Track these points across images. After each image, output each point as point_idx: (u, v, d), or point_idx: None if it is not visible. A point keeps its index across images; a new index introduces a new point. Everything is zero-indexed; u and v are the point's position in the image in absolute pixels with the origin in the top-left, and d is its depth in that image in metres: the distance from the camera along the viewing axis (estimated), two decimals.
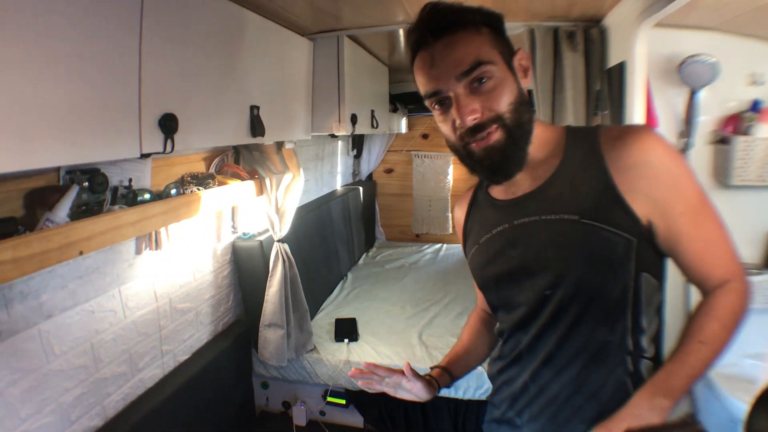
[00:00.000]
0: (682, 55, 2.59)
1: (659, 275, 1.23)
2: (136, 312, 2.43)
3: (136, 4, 1.54)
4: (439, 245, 6.27)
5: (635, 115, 2.30)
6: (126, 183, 2.11)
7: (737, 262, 1.20)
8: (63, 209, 1.68)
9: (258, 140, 2.35)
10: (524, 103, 1.22)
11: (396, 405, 3.30)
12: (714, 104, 2.71)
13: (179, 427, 2.61)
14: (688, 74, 2.58)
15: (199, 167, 2.79)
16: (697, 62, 2.55)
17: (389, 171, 6.71)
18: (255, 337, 3.32)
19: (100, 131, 1.44)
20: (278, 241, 3.21)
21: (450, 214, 6.49)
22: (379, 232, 6.77)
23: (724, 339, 1.15)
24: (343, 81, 3.04)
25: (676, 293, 1.27)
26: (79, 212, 1.81)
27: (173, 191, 2.29)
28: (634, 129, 1.20)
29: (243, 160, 3.07)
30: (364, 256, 5.89)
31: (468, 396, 3.15)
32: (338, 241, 4.98)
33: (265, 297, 3.23)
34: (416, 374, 1.52)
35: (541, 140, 1.28)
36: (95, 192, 1.89)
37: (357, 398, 3.39)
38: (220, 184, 2.59)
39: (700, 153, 2.74)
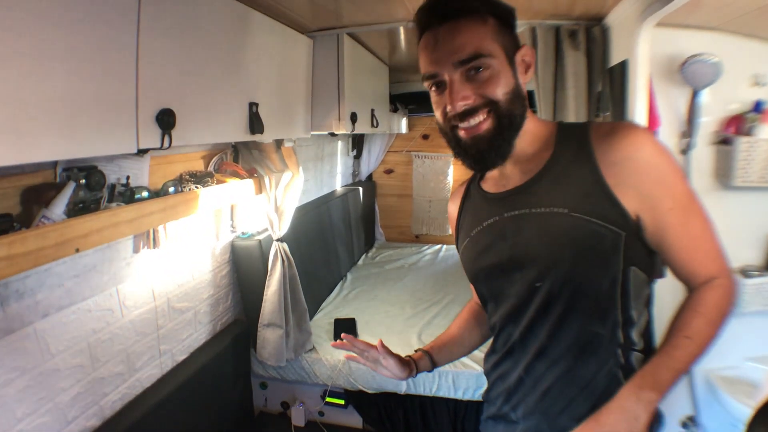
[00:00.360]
0: (684, 54, 2.58)
1: (648, 270, 1.25)
2: (133, 311, 2.41)
3: None
4: (438, 246, 6.27)
5: (637, 115, 2.29)
6: (123, 181, 2.10)
7: (723, 259, 1.22)
8: (59, 206, 1.67)
9: (257, 138, 2.33)
10: (519, 96, 1.25)
11: (395, 405, 3.30)
12: (716, 105, 2.71)
13: (177, 427, 2.60)
14: (690, 74, 2.57)
15: (198, 165, 2.77)
16: (700, 62, 2.54)
17: (389, 171, 6.70)
18: (254, 337, 3.31)
19: (97, 126, 1.43)
20: (277, 240, 3.19)
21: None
22: (378, 233, 6.76)
23: (709, 334, 1.16)
24: (342, 79, 3.03)
25: (676, 288, 1.26)
26: (76, 210, 1.80)
27: (171, 189, 2.28)
28: (624, 125, 1.22)
29: (242, 158, 3.06)
30: (363, 256, 5.89)
31: (468, 397, 3.14)
32: (338, 241, 4.98)
33: (264, 297, 3.22)
34: (389, 351, 1.59)
35: (532, 134, 1.31)
36: (92, 189, 1.87)
37: (356, 398, 3.37)
38: (219, 182, 2.58)
39: (702, 153, 2.73)
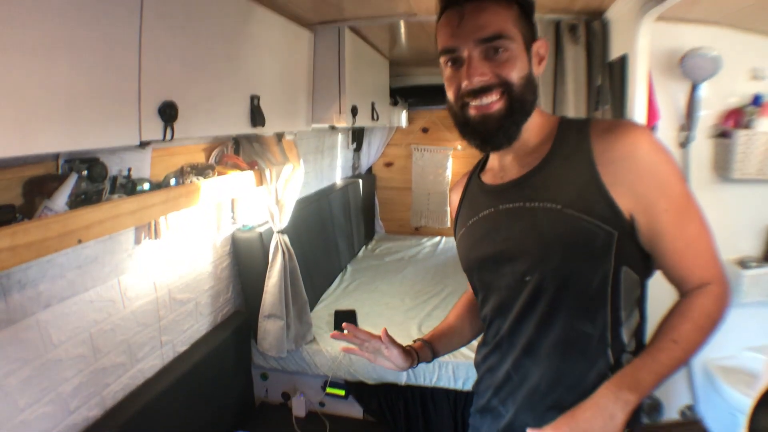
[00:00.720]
0: (683, 48, 2.59)
1: (641, 271, 1.24)
2: (135, 302, 2.42)
3: None
4: (438, 238, 6.29)
5: (637, 108, 2.29)
6: (125, 172, 2.10)
7: (718, 265, 1.20)
8: (62, 197, 1.67)
9: (258, 130, 2.34)
10: (532, 84, 1.25)
11: (395, 396, 3.32)
12: (715, 98, 2.72)
13: (178, 417, 2.61)
14: (689, 68, 2.59)
15: (199, 158, 2.78)
16: (699, 56, 2.55)
17: (389, 164, 6.71)
18: (254, 329, 3.33)
19: (99, 118, 1.43)
20: (278, 232, 3.20)
21: (448, 208, 6.46)
22: (378, 225, 6.77)
23: (696, 341, 1.15)
24: (343, 72, 3.03)
25: (671, 289, 1.26)
26: (78, 201, 1.79)
27: (173, 181, 2.28)
28: (624, 123, 1.22)
29: (243, 151, 3.06)
30: (363, 248, 5.90)
31: (468, 387, 3.16)
32: (338, 233, 4.99)
33: (265, 288, 3.23)
34: (393, 341, 1.55)
35: (536, 127, 1.31)
36: (94, 181, 1.87)
37: (356, 389, 3.39)
38: (220, 174, 2.58)
39: (701, 147, 2.75)
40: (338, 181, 5.71)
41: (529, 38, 1.25)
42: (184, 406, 2.66)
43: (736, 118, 2.69)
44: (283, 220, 3.17)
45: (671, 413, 2.83)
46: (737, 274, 2.76)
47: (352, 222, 5.48)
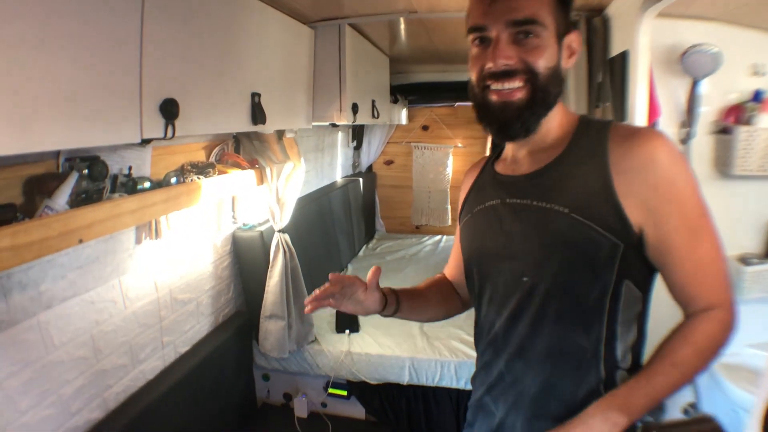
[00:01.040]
0: (684, 45, 2.59)
1: (644, 286, 1.20)
2: (136, 303, 2.41)
3: None
4: (438, 237, 6.29)
5: (638, 105, 2.29)
6: (126, 171, 2.09)
7: (728, 289, 1.15)
8: (62, 196, 1.67)
9: (259, 128, 2.33)
10: (558, 76, 1.21)
11: (397, 395, 3.31)
12: (716, 94, 2.72)
13: (180, 419, 2.61)
14: (690, 64, 2.58)
15: (200, 156, 2.78)
16: (700, 52, 2.55)
17: (389, 162, 6.70)
18: (256, 329, 3.32)
19: (101, 115, 1.43)
20: (279, 231, 3.20)
21: (449, 206, 6.50)
22: (379, 224, 6.77)
23: (696, 366, 1.11)
24: (344, 70, 3.02)
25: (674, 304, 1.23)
26: (79, 200, 1.79)
27: (173, 180, 2.28)
28: (644, 132, 1.16)
29: (243, 149, 3.05)
30: (364, 247, 5.91)
31: (470, 387, 3.14)
32: (339, 232, 4.99)
33: (266, 288, 3.23)
34: (377, 284, 1.49)
35: (556, 122, 1.27)
36: (95, 180, 1.87)
37: (358, 389, 3.39)
38: (221, 173, 2.58)
39: (702, 143, 2.74)
40: (338, 179, 5.71)
41: (563, 29, 1.20)
42: (186, 407, 2.65)
43: (737, 115, 2.68)
44: (284, 219, 3.17)
45: (674, 410, 2.82)
46: (738, 271, 2.74)
47: (352, 220, 5.48)
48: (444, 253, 5.66)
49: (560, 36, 1.20)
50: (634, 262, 1.16)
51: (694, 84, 2.62)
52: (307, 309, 1.41)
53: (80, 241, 1.61)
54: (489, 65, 1.16)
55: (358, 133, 6.17)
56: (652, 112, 2.44)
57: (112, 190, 1.98)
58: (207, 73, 1.94)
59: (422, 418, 3.34)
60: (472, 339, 1.64)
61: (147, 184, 2.09)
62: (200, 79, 1.89)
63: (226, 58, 2.08)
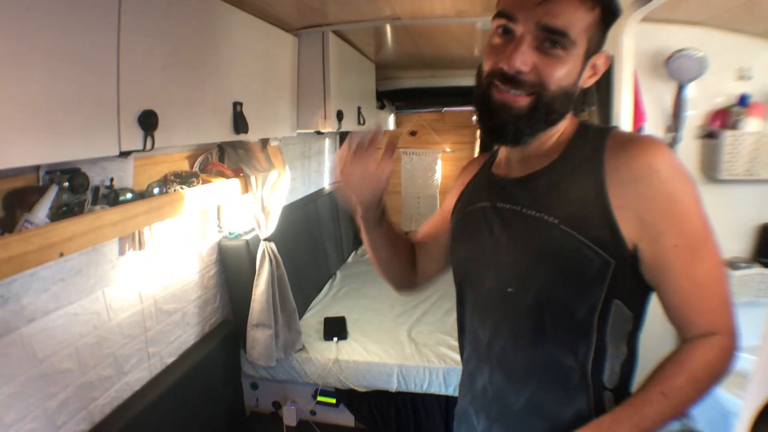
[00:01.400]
0: (669, 49, 2.59)
1: (636, 306, 1.13)
2: (120, 314, 2.39)
3: None
4: None
5: (623, 110, 2.29)
6: (107, 183, 2.08)
7: (729, 314, 1.08)
8: (42, 210, 1.65)
9: (242, 137, 2.32)
10: (569, 95, 1.13)
11: (386, 403, 3.31)
12: (702, 99, 2.72)
13: (168, 429, 2.59)
14: (675, 69, 2.59)
15: (183, 166, 2.76)
16: (685, 57, 2.55)
17: None
18: (243, 338, 3.30)
19: (78, 129, 1.41)
20: (264, 240, 3.18)
21: (438, 202, 6.52)
22: None
23: (690, 397, 1.04)
24: (328, 77, 3.01)
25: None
26: (60, 213, 1.78)
27: (156, 190, 2.26)
28: (643, 141, 1.07)
29: (228, 158, 3.04)
30: (353, 254, 5.89)
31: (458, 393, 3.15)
32: (327, 239, 4.98)
33: (252, 297, 3.22)
34: (390, 157, 1.42)
35: (555, 133, 1.20)
36: (76, 192, 1.85)
37: (347, 397, 3.38)
38: (205, 182, 2.56)
39: (688, 147, 2.75)
40: (326, 186, 5.68)
41: (594, 49, 1.12)
42: (174, 417, 2.63)
43: (723, 119, 2.69)
44: (270, 227, 3.15)
45: None
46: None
47: (341, 227, 5.47)
48: None
49: (589, 55, 1.12)
50: (626, 281, 1.09)
51: (680, 88, 2.63)
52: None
53: (61, 255, 1.59)
54: (503, 65, 1.08)
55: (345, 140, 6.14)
56: (638, 117, 2.44)
57: (94, 202, 1.97)
58: (187, 83, 1.93)
59: (411, 425, 3.33)
60: None
61: (129, 196, 2.07)
62: (180, 90, 1.88)
63: (207, 67, 2.06)
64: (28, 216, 1.62)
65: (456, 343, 1.60)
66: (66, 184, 1.82)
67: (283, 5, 2.44)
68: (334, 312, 4.07)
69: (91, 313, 2.21)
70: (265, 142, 2.98)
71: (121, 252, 2.35)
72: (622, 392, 1.15)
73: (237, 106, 2.25)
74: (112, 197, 2.03)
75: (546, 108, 1.10)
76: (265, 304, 3.19)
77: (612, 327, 1.10)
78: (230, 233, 3.35)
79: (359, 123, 3.76)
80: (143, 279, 2.55)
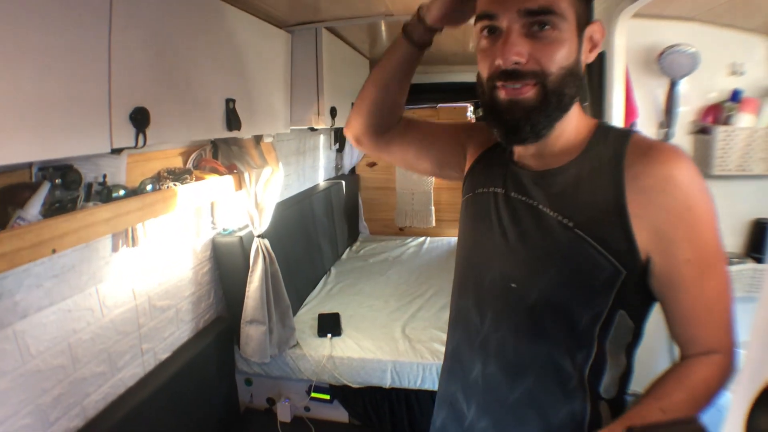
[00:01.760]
0: (662, 45, 2.60)
1: (639, 318, 1.12)
2: (114, 310, 2.39)
3: None
4: (422, 239, 6.28)
5: (615, 106, 2.29)
6: (100, 179, 2.08)
7: (730, 333, 1.06)
8: (34, 207, 1.65)
9: (234, 134, 2.32)
10: (575, 75, 1.08)
11: (380, 399, 3.32)
12: (694, 94, 2.73)
13: (162, 425, 2.59)
14: (668, 64, 2.59)
15: (176, 162, 2.75)
16: (677, 52, 2.56)
17: (372, 165, 6.70)
18: (237, 334, 3.31)
19: (69, 126, 1.41)
20: (258, 236, 3.19)
21: (432, 208, 6.51)
22: (362, 226, 6.74)
23: (687, 414, 1.00)
24: (321, 74, 3.01)
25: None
26: (53, 210, 1.78)
27: (149, 187, 2.26)
28: (666, 149, 1.04)
29: (221, 154, 3.04)
30: (347, 250, 5.89)
31: None
32: (321, 235, 4.97)
33: (246, 293, 3.22)
34: None
35: (571, 125, 1.15)
36: (68, 189, 1.85)
37: (341, 393, 3.38)
38: (198, 179, 2.56)
39: (681, 143, 2.75)
40: (321, 182, 5.67)
41: (584, 20, 1.07)
42: (168, 413, 2.63)
43: (716, 114, 2.69)
44: (263, 223, 3.16)
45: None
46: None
47: (335, 223, 5.46)
48: (427, 255, 5.69)
49: (581, 27, 1.07)
50: (633, 292, 1.07)
51: (673, 84, 2.64)
52: None
53: (53, 251, 1.59)
54: (498, 62, 1.04)
55: (340, 136, 6.11)
56: (630, 113, 2.45)
57: (87, 199, 1.96)
58: (179, 80, 1.93)
59: (405, 421, 3.34)
60: None
61: (122, 192, 2.07)
62: (172, 87, 1.88)
63: (199, 64, 2.06)
64: (20, 213, 1.62)
65: None
66: (58, 180, 1.82)
67: (276, 1, 2.44)
68: (328, 308, 4.06)
69: (85, 310, 2.21)
70: (258, 139, 2.98)
71: (115, 248, 2.34)
72: (617, 402, 1.14)
73: (230, 102, 2.26)
74: (104, 194, 2.03)
75: (555, 94, 1.06)
76: (258, 301, 3.19)
77: (613, 337, 1.10)
78: (224, 230, 3.34)
79: None
80: (137, 275, 2.54)
